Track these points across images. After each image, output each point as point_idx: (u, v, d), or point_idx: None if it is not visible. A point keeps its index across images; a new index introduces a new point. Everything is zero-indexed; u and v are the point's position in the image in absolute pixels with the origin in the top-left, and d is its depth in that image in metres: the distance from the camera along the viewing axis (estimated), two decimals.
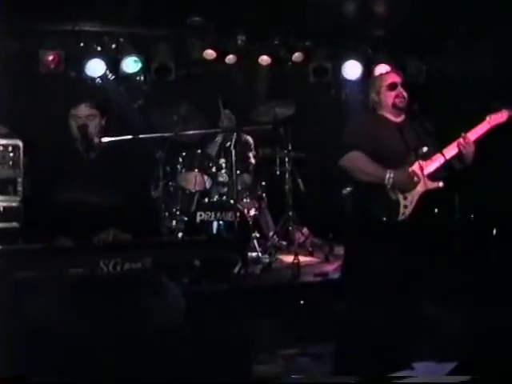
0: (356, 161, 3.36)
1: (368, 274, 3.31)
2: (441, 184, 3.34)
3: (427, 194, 3.35)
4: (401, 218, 3.29)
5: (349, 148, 3.38)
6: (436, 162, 3.36)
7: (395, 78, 3.49)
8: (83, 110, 3.20)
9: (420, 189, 3.32)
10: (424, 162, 3.34)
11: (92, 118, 3.21)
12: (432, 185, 3.33)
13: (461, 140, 3.33)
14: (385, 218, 3.29)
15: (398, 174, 3.28)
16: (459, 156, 3.37)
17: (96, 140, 3.26)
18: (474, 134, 3.37)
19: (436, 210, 3.61)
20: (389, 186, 3.28)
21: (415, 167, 3.33)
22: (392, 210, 3.29)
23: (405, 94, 3.46)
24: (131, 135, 4.36)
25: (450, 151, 3.36)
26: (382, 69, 3.72)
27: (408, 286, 3.36)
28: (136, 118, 5.93)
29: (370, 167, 3.32)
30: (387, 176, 3.27)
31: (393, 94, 3.45)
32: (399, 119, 3.50)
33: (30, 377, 1.98)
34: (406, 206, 3.30)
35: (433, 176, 3.35)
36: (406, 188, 3.29)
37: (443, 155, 3.28)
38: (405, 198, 3.31)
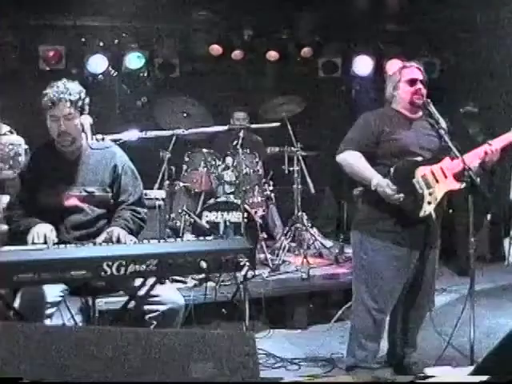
0: (350, 160, 3.27)
1: (381, 273, 3.24)
2: (464, 185, 3.22)
3: (450, 193, 3.27)
4: (422, 214, 3.18)
5: (346, 146, 3.29)
6: (457, 164, 3.24)
7: (416, 74, 3.37)
8: (61, 109, 2.96)
9: (445, 188, 3.23)
10: (453, 160, 3.24)
11: (71, 118, 2.99)
12: (457, 185, 3.24)
13: (487, 147, 3.25)
14: (407, 212, 3.18)
15: (384, 185, 3.15)
16: (482, 163, 3.29)
17: (99, 136, 3.10)
18: (499, 143, 3.29)
19: (452, 210, 3.48)
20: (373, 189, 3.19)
21: (444, 164, 3.24)
22: (416, 204, 3.17)
23: (424, 91, 3.35)
24: (134, 133, 4.21)
25: (473, 158, 3.26)
26: (403, 63, 3.63)
27: (422, 287, 3.32)
28: (139, 115, 5.81)
29: (360, 169, 3.24)
30: (373, 183, 3.17)
31: (412, 90, 3.33)
32: (415, 116, 3.37)
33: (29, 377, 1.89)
34: (429, 203, 3.20)
35: (460, 175, 3.23)
36: (386, 199, 3.17)
37: (463, 161, 3.15)
38: (430, 194, 3.21)
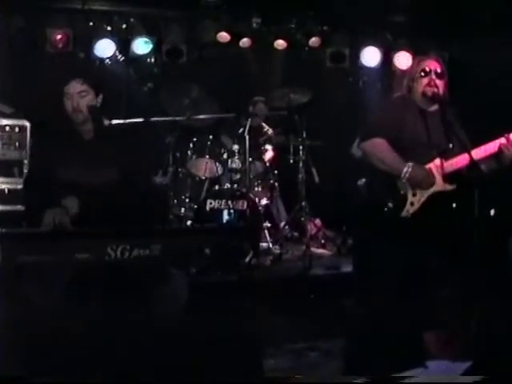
0: (378, 147, 3.25)
1: (374, 268, 3.26)
2: (454, 187, 3.21)
3: (438, 194, 3.21)
4: (404, 214, 3.18)
5: (373, 133, 3.26)
6: (459, 162, 3.19)
7: (431, 65, 3.32)
8: (74, 86, 3.04)
9: (433, 188, 3.20)
10: (445, 161, 3.20)
11: (84, 95, 3.05)
12: (445, 186, 3.21)
13: (504, 140, 3.14)
14: (388, 212, 3.19)
15: (416, 170, 3.16)
16: (498, 156, 3.17)
17: (106, 121, 3.11)
18: None
19: (444, 211, 3.44)
20: (403, 181, 3.17)
21: (434, 164, 3.20)
22: (397, 204, 3.18)
23: (438, 82, 3.28)
24: (140, 118, 4.17)
25: (482, 152, 3.18)
26: (421, 55, 3.66)
27: (412, 283, 3.26)
28: (145, 101, 5.79)
29: (390, 157, 3.22)
30: (405, 170, 3.15)
31: (424, 81, 3.30)
32: (430, 109, 3.34)
33: (30, 377, 1.89)
34: (412, 203, 3.19)
35: (450, 176, 3.21)
36: (420, 186, 3.19)
37: (470, 156, 3.10)
38: (413, 195, 3.20)
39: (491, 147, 3.18)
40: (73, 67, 5.05)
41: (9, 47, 5.41)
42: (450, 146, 3.21)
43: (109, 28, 5.75)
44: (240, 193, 5.00)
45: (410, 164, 3.15)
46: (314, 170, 5.63)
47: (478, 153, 3.17)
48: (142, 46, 5.83)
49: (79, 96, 3.02)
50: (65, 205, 2.86)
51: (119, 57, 5.88)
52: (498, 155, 3.18)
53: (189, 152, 5.40)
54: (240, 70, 6.23)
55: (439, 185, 3.20)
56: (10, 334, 2.09)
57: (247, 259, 4.24)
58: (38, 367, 2.06)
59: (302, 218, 5.39)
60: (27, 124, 4.98)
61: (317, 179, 5.64)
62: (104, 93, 3.15)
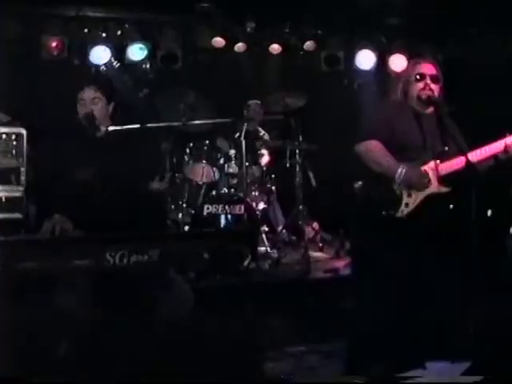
0: (372, 149, 3.26)
1: (370, 269, 3.24)
2: (449, 189, 3.21)
3: (435, 196, 3.21)
4: (399, 214, 3.18)
5: (368, 135, 3.27)
6: (455, 164, 3.20)
7: (426, 69, 3.33)
8: (87, 93, 3.15)
9: (428, 190, 3.20)
10: (441, 163, 3.21)
11: (97, 102, 3.14)
12: (440, 188, 3.21)
13: (507, 140, 3.14)
14: (383, 212, 3.19)
15: (410, 171, 3.17)
16: (496, 157, 3.18)
17: (103, 127, 3.13)
18: None
19: (440, 213, 3.45)
20: (398, 182, 3.17)
21: (429, 166, 3.21)
22: (392, 204, 3.18)
23: (433, 86, 3.28)
24: (137, 125, 4.18)
25: (478, 154, 3.18)
26: (415, 58, 3.67)
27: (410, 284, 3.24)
28: (141, 107, 5.79)
29: (384, 158, 3.22)
30: (399, 171, 3.16)
31: (419, 85, 3.30)
32: (425, 111, 3.35)
33: (29, 377, 1.88)
34: (407, 204, 3.19)
35: (446, 179, 3.21)
36: (414, 187, 3.19)
37: (466, 158, 3.11)
38: (409, 196, 3.20)
39: (487, 150, 3.20)
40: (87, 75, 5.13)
41: (4, 54, 5.41)
42: (446, 148, 3.24)
43: (104, 34, 5.76)
44: (237, 197, 5.01)
45: (404, 165, 3.17)
46: (310, 174, 5.65)
47: (474, 155, 3.18)
48: (137, 51, 5.85)
49: (92, 103, 3.10)
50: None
51: (114, 63, 5.89)
52: (496, 156, 3.20)
53: (185, 157, 5.42)
54: (235, 75, 6.25)
55: (434, 187, 3.21)
56: (10, 337, 2.08)
57: (245, 263, 4.24)
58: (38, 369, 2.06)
59: (300, 222, 5.40)
60: (23, 132, 4.97)
61: (314, 183, 5.65)
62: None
